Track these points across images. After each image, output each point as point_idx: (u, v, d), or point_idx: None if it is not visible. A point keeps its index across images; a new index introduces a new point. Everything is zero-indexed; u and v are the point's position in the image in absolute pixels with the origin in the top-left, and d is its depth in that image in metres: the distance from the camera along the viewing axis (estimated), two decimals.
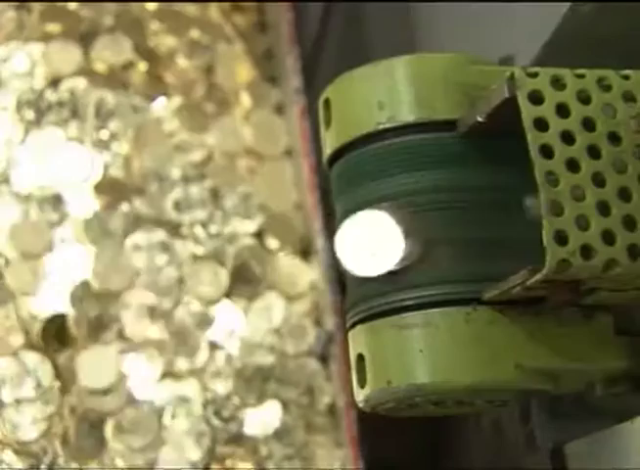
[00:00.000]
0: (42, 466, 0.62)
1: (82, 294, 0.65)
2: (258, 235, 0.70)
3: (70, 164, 0.68)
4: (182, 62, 0.73)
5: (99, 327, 0.65)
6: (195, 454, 0.64)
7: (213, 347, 0.66)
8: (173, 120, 0.72)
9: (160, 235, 0.67)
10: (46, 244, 0.66)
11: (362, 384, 0.46)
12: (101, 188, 0.68)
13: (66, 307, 0.65)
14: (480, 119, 0.44)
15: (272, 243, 0.70)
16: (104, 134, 0.70)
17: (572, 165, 0.40)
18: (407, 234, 0.44)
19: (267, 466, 0.65)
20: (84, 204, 0.68)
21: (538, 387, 0.45)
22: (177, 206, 0.69)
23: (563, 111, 0.41)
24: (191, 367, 0.65)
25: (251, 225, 0.70)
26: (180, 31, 0.74)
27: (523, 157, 0.41)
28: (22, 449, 0.62)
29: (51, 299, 0.65)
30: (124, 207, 0.68)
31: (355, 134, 0.47)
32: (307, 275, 0.69)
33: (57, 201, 0.67)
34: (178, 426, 0.64)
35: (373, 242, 0.45)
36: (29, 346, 0.64)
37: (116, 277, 0.66)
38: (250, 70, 0.74)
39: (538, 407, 0.58)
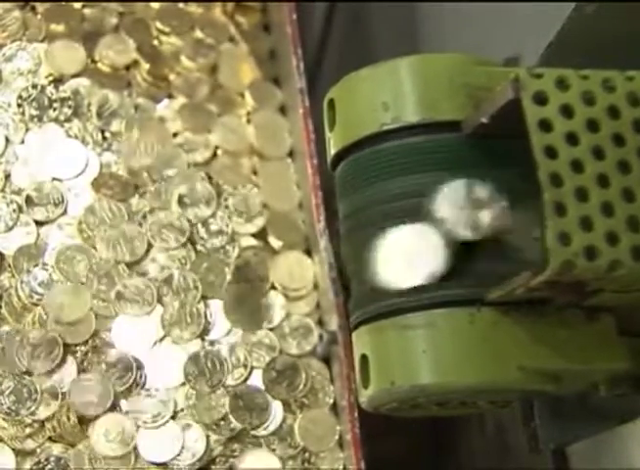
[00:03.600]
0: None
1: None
2: (261, 235, 0.70)
3: (70, 161, 0.69)
4: (186, 62, 0.73)
5: None
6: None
7: (212, 344, 0.66)
8: (177, 120, 0.71)
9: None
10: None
11: (365, 384, 0.47)
12: (101, 185, 0.68)
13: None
14: (484, 121, 0.44)
15: (275, 243, 0.69)
16: (106, 133, 0.70)
17: (577, 166, 0.40)
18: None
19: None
20: (84, 201, 0.68)
21: (541, 388, 0.45)
22: (180, 204, 0.69)
23: (567, 112, 0.41)
24: None
25: (253, 225, 0.70)
26: (184, 31, 0.74)
27: (527, 158, 0.41)
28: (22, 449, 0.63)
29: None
30: (125, 204, 0.68)
31: (359, 135, 0.47)
32: (310, 275, 0.69)
33: (56, 197, 0.67)
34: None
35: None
36: None
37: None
38: (253, 71, 0.74)
39: (541, 408, 0.58)
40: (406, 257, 0.45)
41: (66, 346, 0.64)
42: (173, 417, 0.64)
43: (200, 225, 0.69)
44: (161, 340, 0.66)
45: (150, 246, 0.67)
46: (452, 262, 0.44)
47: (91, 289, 0.65)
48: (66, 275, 0.65)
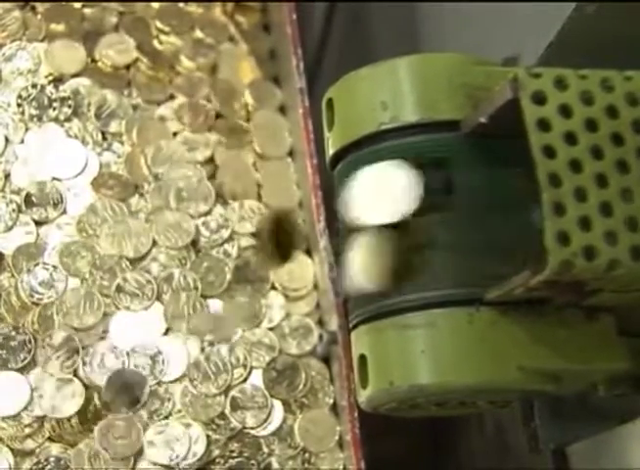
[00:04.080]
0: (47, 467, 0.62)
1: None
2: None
3: (70, 161, 0.69)
4: (186, 61, 0.73)
5: None
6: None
7: (212, 344, 0.66)
8: (176, 119, 0.72)
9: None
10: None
11: (364, 384, 0.46)
12: (101, 185, 0.68)
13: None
14: (483, 120, 0.44)
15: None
16: (106, 132, 0.70)
17: (575, 166, 0.40)
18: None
19: (270, 466, 0.65)
20: (83, 200, 0.68)
21: (541, 388, 0.45)
22: (179, 203, 0.69)
23: (566, 111, 0.41)
24: None
25: (254, 224, 0.69)
26: (184, 31, 0.74)
27: (526, 158, 0.40)
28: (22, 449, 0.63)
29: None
30: (125, 204, 0.68)
31: (358, 134, 0.47)
32: (310, 275, 0.69)
33: (56, 197, 0.67)
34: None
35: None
36: None
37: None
38: (253, 70, 0.74)
39: (541, 408, 0.58)
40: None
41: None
42: (172, 416, 0.64)
43: (200, 223, 0.69)
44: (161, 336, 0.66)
45: (154, 243, 0.67)
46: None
47: (94, 285, 0.66)
48: (68, 270, 0.66)
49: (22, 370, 0.63)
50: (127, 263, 0.67)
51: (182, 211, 0.68)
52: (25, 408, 0.62)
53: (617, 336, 0.46)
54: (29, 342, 0.63)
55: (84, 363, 0.64)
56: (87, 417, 0.63)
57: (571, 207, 0.40)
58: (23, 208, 0.67)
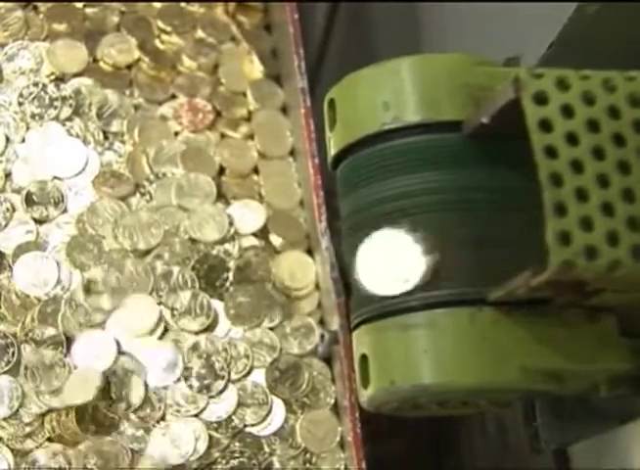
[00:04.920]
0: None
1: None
2: (262, 234, 0.70)
3: (71, 160, 0.69)
4: (187, 61, 0.73)
5: None
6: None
7: (212, 343, 0.66)
8: (178, 119, 0.72)
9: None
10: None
11: (365, 384, 0.47)
12: (102, 184, 0.68)
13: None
14: (484, 121, 0.44)
15: (276, 240, 0.69)
16: (107, 132, 0.70)
17: (577, 167, 0.40)
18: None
19: (271, 466, 0.65)
20: (85, 199, 0.68)
21: (542, 388, 0.45)
22: (179, 203, 0.69)
23: (567, 112, 0.41)
24: None
25: (255, 224, 0.69)
26: (186, 31, 0.74)
27: (527, 158, 0.41)
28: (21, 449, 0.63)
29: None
30: (125, 202, 0.68)
31: (360, 134, 0.47)
32: (311, 275, 0.69)
33: (57, 196, 0.67)
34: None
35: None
36: None
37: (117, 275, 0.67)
38: (255, 70, 0.74)
39: (543, 408, 0.58)
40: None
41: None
42: (171, 414, 0.64)
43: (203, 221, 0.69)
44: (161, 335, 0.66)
45: (166, 236, 0.67)
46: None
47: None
48: (73, 263, 0.66)
49: (9, 373, 0.63)
50: (134, 258, 0.67)
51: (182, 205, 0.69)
52: (25, 406, 0.62)
53: (618, 336, 0.46)
54: (12, 344, 0.63)
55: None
56: (84, 417, 0.63)
57: (573, 207, 0.40)
58: (24, 206, 0.67)
